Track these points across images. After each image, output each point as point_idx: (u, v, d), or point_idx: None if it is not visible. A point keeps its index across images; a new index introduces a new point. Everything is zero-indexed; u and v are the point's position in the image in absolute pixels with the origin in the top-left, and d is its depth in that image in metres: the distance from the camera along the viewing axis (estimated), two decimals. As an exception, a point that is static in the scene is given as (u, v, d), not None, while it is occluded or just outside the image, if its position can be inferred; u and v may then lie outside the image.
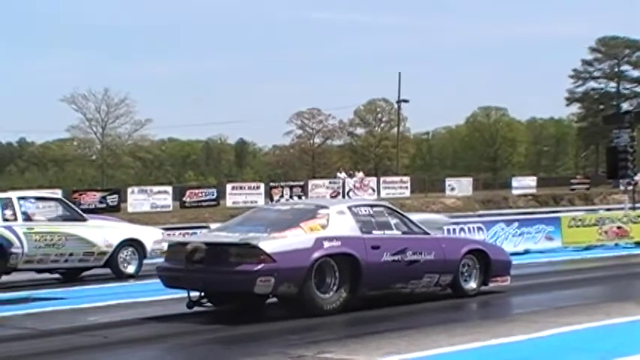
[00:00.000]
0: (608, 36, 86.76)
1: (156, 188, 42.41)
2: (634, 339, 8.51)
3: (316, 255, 10.50)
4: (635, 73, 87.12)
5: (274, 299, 10.90)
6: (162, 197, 40.34)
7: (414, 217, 12.86)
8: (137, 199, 38.98)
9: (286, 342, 8.87)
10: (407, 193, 47.34)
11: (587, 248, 21.09)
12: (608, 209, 30.37)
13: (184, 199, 41.05)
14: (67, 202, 17.60)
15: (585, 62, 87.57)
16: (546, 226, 21.14)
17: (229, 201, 41.63)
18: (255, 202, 41.40)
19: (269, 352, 8.28)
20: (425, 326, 9.75)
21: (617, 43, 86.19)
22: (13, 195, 15.76)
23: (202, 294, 10.90)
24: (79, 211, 17.21)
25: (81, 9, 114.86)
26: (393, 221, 11.73)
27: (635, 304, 11.16)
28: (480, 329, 9.30)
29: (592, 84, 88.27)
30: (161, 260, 12.49)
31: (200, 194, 42.31)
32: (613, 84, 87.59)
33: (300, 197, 42.26)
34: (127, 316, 11.28)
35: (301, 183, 46.65)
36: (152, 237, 16.96)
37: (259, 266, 10.10)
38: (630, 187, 24.90)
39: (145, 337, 9.67)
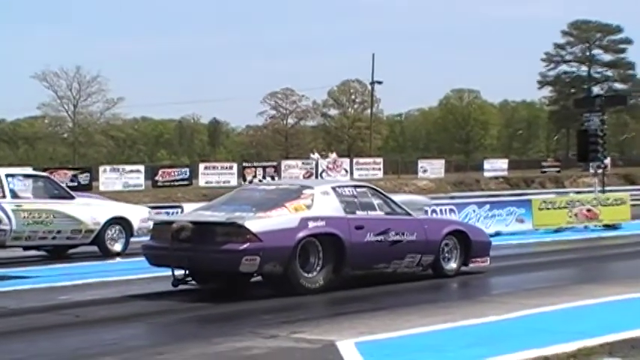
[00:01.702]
0: (580, 20, 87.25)
1: (128, 167, 42.17)
2: (603, 321, 8.61)
3: (301, 235, 10.63)
4: (607, 57, 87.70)
5: (258, 278, 11.00)
6: (134, 176, 40.14)
7: (397, 198, 13.04)
8: (109, 178, 38.73)
9: (260, 322, 8.91)
10: (380, 174, 47.41)
11: (557, 231, 21.30)
12: (579, 192, 30.64)
13: (157, 178, 40.88)
14: (54, 180, 17.62)
15: (557, 46, 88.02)
16: (517, 209, 21.32)
17: (202, 181, 41.51)
18: (228, 182, 41.37)
19: (242, 331, 8.30)
20: (399, 307, 9.85)
21: (589, 27, 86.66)
22: (1, 172, 15.70)
23: (187, 272, 10.95)
24: (67, 189, 17.28)
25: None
26: (376, 202, 11.87)
27: (603, 286, 11.31)
28: (452, 310, 9.40)
29: (564, 67, 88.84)
30: (147, 238, 12.55)
31: (173, 174, 42.12)
32: (584, 68, 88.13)
33: (273, 178, 42.19)
34: (106, 295, 11.30)
35: (274, 163, 46.59)
36: (139, 215, 17.06)
37: (245, 245, 10.23)
38: (600, 171, 25.12)
39: (119, 316, 9.65)
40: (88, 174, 38.62)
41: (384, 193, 12.69)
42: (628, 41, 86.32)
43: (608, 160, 26.76)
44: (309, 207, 10.98)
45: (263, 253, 10.28)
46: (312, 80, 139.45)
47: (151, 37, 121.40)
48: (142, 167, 43.00)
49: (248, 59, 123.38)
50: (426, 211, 15.36)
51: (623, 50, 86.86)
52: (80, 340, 8.30)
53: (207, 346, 7.63)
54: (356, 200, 11.61)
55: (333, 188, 11.59)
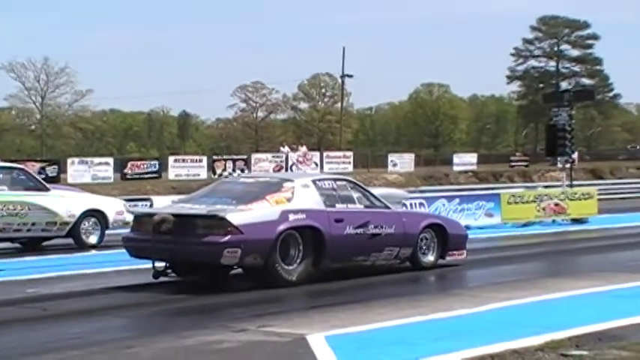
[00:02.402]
0: (549, 15, 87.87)
1: (97, 159, 41.79)
2: (570, 314, 8.68)
3: (282, 227, 10.71)
4: (574, 53, 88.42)
5: (238, 270, 11.06)
6: (103, 169, 39.79)
7: (375, 191, 13.17)
8: (77, 171, 38.35)
9: (231, 315, 8.90)
10: (350, 168, 47.43)
11: (525, 224, 21.43)
12: (547, 186, 30.91)
13: (126, 171, 40.56)
14: (29, 171, 17.48)
15: (526, 41, 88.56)
16: (486, 203, 21.41)
17: (171, 174, 41.26)
18: (198, 175, 41.22)
19: (213, 325, 8.28)
20: (371, 300, 9.88)
21: (557, 22, 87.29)
22: None
23: (168, 264, 11.02)
24: (42, 181, 17.20)
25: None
26: (355, 195, 11.96)
27: (571, 280, 11.40)
28: (423, 303, 9.43)
29: (532, 62, 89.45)
30: (123, 231, 12.76)
31: (142, 166, 41.84)
32: (553, 63, 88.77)
33: (242, 171, 42.09)
34: (78, 287, 11.25)
35: (244, 157, 46.47)
36: (114, 208, 17.04)
37: (226, 238, 10.30)
38: (568, 165, 25.30)
39: (89, 310, 9.58)
40: (56, 166, 38.23)
41: (364, 186, 12.82)
42: (595, 37, 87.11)
43: (575, 155, 26.95)
44: (289, 200, 11.06)
45: (244, 246, 10.36)
46: (283, 73, 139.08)
47: (120, 28, 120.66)
48: (110, 160, 42.61)
49: (218, 52, 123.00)
50: (404, 205, 15.47)
51: (590, 46, 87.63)
52: (47, 334, 8.23)
53: (176, 340, 7.60)
54: (336, 193, 11.70)
55: (314, 181, 11.69)
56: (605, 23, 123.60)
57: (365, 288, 11.13)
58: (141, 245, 10.99)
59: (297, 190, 11.26)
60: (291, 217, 10.88)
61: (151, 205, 18.28)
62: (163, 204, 19.32)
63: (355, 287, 11.12)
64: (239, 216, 10.48)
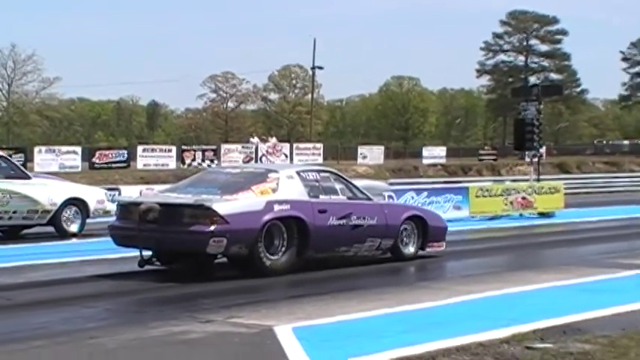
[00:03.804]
0: (519, 10, 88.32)
1: (64, 148, 41.46)
2: (535, 307, 8.73)
3: (267, 218, 10.81)
4: (543, 48, 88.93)
5: (223, 260, 11.15)
6: (70, 157, 39.48)
7: (358, 183, 13.35)
8: (44, 159, 38.00)
9: (200, 306, 8.86)
10: (319, 159, 47.43)
11: (493, 218, 21.57)
12: (514, 180, 31.10)
13: (94, 160, 40.29)
14: (10, 159, 17.36)
15: (496, 35, 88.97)
16: (455, 196, 21.51)
17: (140, 163, 41.04)
18: (167, 165, 41.08)
19: (181, 315, 8.25)
20: (339, 292, 9.89)
21: (527, 17, 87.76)
22: None
23: (153, 253, 11.11)
24: (23, 169, 17.26)
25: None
26: (338, 186, 12.10)
27: (536, 273, 11.48)
28: (390, 295, 9.45)
29: (502, 57, 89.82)
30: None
31: (110, 155, 41.57)
32: (522, 57, 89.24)
33: (212, 162, 41.98)
34: (51, 276, 11.18)
35: (214, 147, 46.29)
36: (95, 197, 17.14)
37: (213, 227, 10.39)
38: (535, 159, 25.48)
39: (57, 299, 9.51)
40: (23, 154, 37.81)
41: (347, 178, 12.93)
42: (563, 32, 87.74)
43: (543, 149, 27.17)
44: (274, 190, 11.16)
45: (230, 235, 10.45)
46: (254, 64, 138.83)
47: (89, 16, 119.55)
48: (78, 149, 42.27)
49: (189, 41, 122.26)
50: (383, 195, 15.61)
51: (559, 41, 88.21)
52: (12, 324, 8.14)
53: (143, 330, 7.55)
54: (319, 185, 11.83)
55: (298, 172, 11.80)
56: (574, 19, 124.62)
57: (339, 279, 11.17)
58: (127, 234, 11.05)
59: (282, 181, 11.37)
60: (276, 207, 10.98)
61: (114, 196, 18.26)
62: (132, 194, 19.23)
63: (330, 278, 11.15)
64: (225, 206, 10.57)
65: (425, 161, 52.12)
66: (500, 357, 6.46)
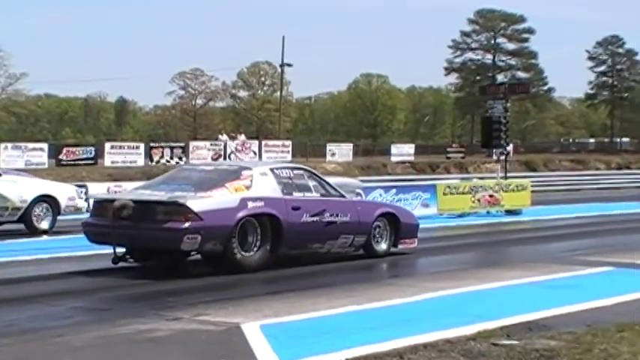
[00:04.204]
0: (486, 8, 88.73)
1: (31, 145, 41.06)
2: (502, 304, 8.80)
3: (241, 214, 10.85)
4: (510, 46, 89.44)
5: (197, 256, 11.18)
6: (37, 154, 39.12)
7: (331, 180, 13.43)
8: (10, 156, 37.60)
9: (166, 303, 8.83)
10: (288, 157, 47.39)
11: (461, 215, 21.67)
12: (482, 178, 31.27)
13: (61, 157, 39.93)
14: None
15: (464, 33, 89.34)
16: (423, 193, 21.58)
17: (108, 160, 40.76)
18: (135, 162, 40.80)
19: (148, 313, 8.22)
20: (309, 289, 9.92)
21: (494, 15, 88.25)
22: None
23: (126, 250, 11.15)
24: None
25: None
26: (312, 184, 12.16)
27: (503, 270, 11.57)
28: (358, 292, 9.46)
29: (470, 55, 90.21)
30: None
31: (77, 152, 41.26)
32: (489, 56, 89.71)
33: (180, 159, 41.81)
34: (19, 274, 11.12)
35: (182, 144, 46.11)
36: (66, 194, 17.07)
37: (187, 224, 10.41)
38: (503, 157, 25.64)
39: (23, 296, 9.43)
40: (-14, 150, 37.47)
41: (320, 175, 13.01)
42: (530, 31, 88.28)
43: (510, 147, 27.35)
44: (248, 188, 11.20)
45: (204, 232, 10.48)
46: (222, 61, 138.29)
47: (56, 10, 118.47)
48: (45, 145, 41.89)
49: (157, 37, 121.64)
50: (357, 192, 15.70)
51: (526, 40, 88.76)
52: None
53: (109, 328, 7.51)
54: (293, 182, 11.88)
55: (271, 170, 11.85)
56: (541, 18, 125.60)
57: (310, 276, 11.18)
58: (100, 230, 11.06)
59: (256, 178, 11.41)
60: (250, 204, 11.01)
61: (82, 193, 18.15)
62: (99, 191, 19.14)
63: (301, 275, 11.18)
64: (199, 203, 10.58)
65: (393, 159, 52.27)
66: (467, 353, 6.48)
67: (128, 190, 12.80)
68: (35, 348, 6.91)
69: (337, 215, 12.09)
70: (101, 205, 11.37)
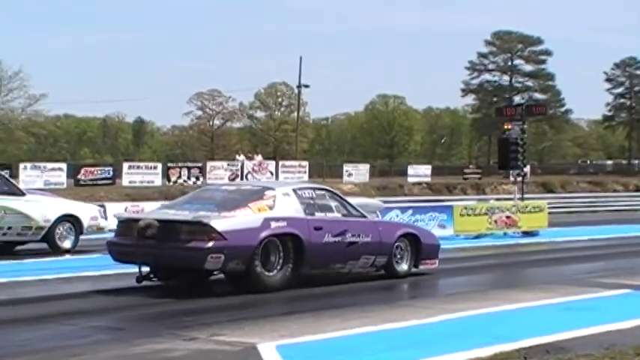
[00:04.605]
0: (503, 30, 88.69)
1: (50, 165, 41.30)
2: (519, 325, 8.74)
3: (263, 234, 10.90)
4: (527, 68, 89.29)
5: (220, 276, 11.24)
6: (56, 174, 39.36)
7: (353, 200, 13.42)
8: (30, 176, 37.81)
9: (182, 323, 8.82)
10: (305, 177, 47.39)
11: (477, 237, 21.59)
12: (498, 199, 31.15)
13: (79, 176, 40.20)
14: (5, 176, 17.38)
15: (480, 55, 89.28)
16: (439, 214, 21.55)
17: (125, 180, 40.93)
18: (152, 182, 40.98)
19: (164, 333, 8.22)
20: (325, 309, 9.89)
21: (511, 37, 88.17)
22: None
23: (151, 269, 11.21)
24: (18, 186, 17.34)
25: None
26: (333, 204, 12.20)
27: (521, 292, 11.51)
28: (374, 313, 9.42)
29: (486, 76, 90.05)
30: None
31: (96, 172, 41.48)
32: (506, 77, 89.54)
33: (198, 179, 41.94)
34: (40, 292, 11.14)
35: (199, 164, 46.24)
36: (89, 213, 17.19)
37: (210, 243, 10.48)
38: (520, 179, 25.56)
39: (44, 315, 9.42)
40: (8, 171, 37.58)
41: (342, 195, 13.03)
42: (548, 53, 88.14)
43: (527, 168, 27.20)
44: (271, 208, 11.26)
45: (227, 251, 10.54)
46: (239, 82, 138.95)
47: (75, 33, 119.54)
48: (64, 165, 42.14)
49: (175, 58, 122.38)
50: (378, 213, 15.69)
51: (543, 61, 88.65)
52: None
53: (126, 348, 7.52)
54: (315, 202, 11.94)
55: (294, 190, 11.91)
56: (558, 39, 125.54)
57: (329, 296, 11.17)
58: (125, 250, 11.13)
59: (279, 198, 11.47)
60: (273, 224, 11.07)
61: (103, 213, 18.24)
62: (117, 211, 19.21)
63: (320, 295, 11.17)
64: (223, 222, 10.66)
65: (410, 179, 52.21)
66: (483, 375, 6.46)
67: (152, 210, 12.89)
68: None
69: (359, 236, 12.11)
70: (126, 225, 11.42)
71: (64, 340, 8.06)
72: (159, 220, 10.93)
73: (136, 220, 11.22)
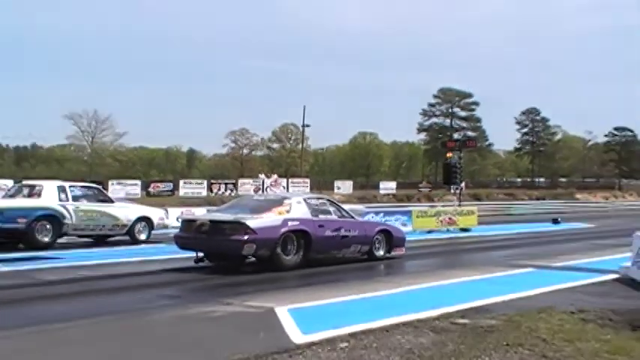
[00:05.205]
0: (446, 87, 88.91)
1: (129, 182, 41.29)
2: (458, 293, 8.75)
3: (283, 230, 10.95)
4: (462, 114, 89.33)
5: (252, 259, 11.12)
6: (133, 188, 39.35)
7: (345, 206, 13.53)
8: (115, 189, 37.77)
9: (222, 293, 8.79)
10: (307, 190, 47.30)
11: (429, 232, 21.51)
12: (443, 206, 31.13)
13: (149, 189, 40.27)
14: (101, 189, 17.29)
15: (430, 104, 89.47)
16: (402, 216, 21.50)
17: (181, 192, 40.94)
18: (200, 193, 40.95)
19: (209, 300, 8.21)
20: (323, 283, 9.83)
21: (451, 93, 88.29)
22: (66, 184, 15.68)
23: (204, 255, 11.24)
24: (109, 196, 17.19)
25: (73, 46, 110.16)
26: (332, 209, 12.22)
27: (459, 270, 11.45)
28: (357, 286, 9.38)
29: (434, 119, 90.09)
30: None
31: (160, 187, 41.55)
32: (448, 120, 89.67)
33: (232, 191, 41.89)
34: (123, 270, 11.02)
35: (233, 181, 46.23)
36: (157, 215, 17.11)
37: (246, 236, 10.53)
38: (458, 191, 25.58)
39: (125, 287, 9.40)
40: (101, 186, 37.55)
41: (337, 202, 13.05)
42: (476, 103, 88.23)
43: (463, 184, 27.19)
44: (288, 211, 11.31)
45: (258, 242, 10.58)
46: (261, 122, 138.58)
47: (149, 86, 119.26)
48: (138, 182, 42.12)
49: (216, 105, 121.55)
50: (363, 215, 15.63)
51: (473, 109, 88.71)
52: (93, 305, 8.07)
53: (183, 310, 7.53)
54: (319, 207, 11.96)
55: (304, 199, 11.94)
56: (483, 94, 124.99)
57: (326, 274, 11.03)
58: (186, 241, 11.19)
59: (293, 205, 11.53)
60: (289, 223, 11.11)
61: (166, 215, 18.19)
62: (175, 214, 19.14)
63: (320, 273, 11.05)
64: (254, 222, 10.71)
65: (381, 191, 52.19)
66: (433, 329, 6.46)
67: (204, 213, 12.89)
68: (131, 323, 6.96)
69: (349, 231, 12.12)
70: (187, 223, 11.50)
71: (142, 303, 8.11)
72: (210, 220, 11.03)
73: (194, 220, 11.35)
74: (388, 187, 55.06)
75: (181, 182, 42.99)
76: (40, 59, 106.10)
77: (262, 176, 49.26)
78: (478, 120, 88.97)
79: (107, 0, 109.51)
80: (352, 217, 12.54)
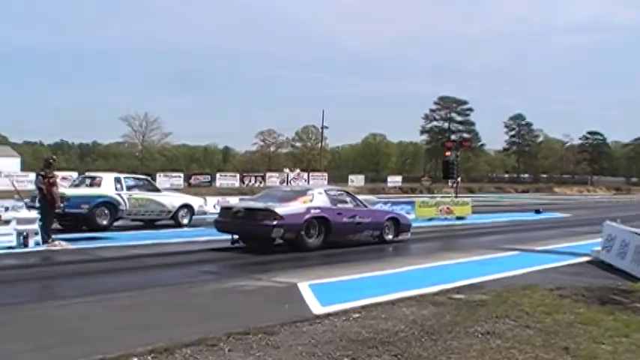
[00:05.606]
0: (445, 95, 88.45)
1: (174, 174, 41.62)
2: (454, 273, 8.72)
3: (307, 217, 10.95)
4: (458, 118, 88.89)
5: (280, 242, 11.08)
6: (177, 180, 39.62)
7: (360, 197, 13.46)
8: (162, 180, 37.98)
9: (253, 270, 8.84)
10: (325, 182, 47.28)
11: (430, 220, 21.39)
12: (442, 197, 30.93)
13: (190, 181, 40.48)
14: (150, 180, 17.29)
15: (431, 110, 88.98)
16: (407, 206, 21.38)
17: (218, 183, 41.14)
18: (233, 184, 41.09)
19: (242, 276, 8.26)
20: (339, 262, 9.80)
21: (449, 100, 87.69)
22: (121, 176, 15.82)
23: (239, 237, 11.26)
24: (157, 186, 17.23)
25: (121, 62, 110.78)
26: (348, 199, 12.20)
27: (454, 253, 11.37)
28: (369, 265, 9.39)
29: (435, 123, 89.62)
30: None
31: (200, 179, 41.72)
32: (446, 124, 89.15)
33: (261, 183, 42.00)
34: (170, 249, 11.09)
35: (262, 174, 46.38)
36: (197, 203, 17.08)
37: (275, 222, 10.55)
38: (455, 185, 25.44)
39: (173, 263, 9.46)
40: (150, 177, 37.75)
41: (353, 193, 13.00)
42: (471, 109, 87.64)
43: (459, 179, 27.03)
44: (311, 201, 11.31)
45: (285, 227, 10.61)
46: (286, 123, 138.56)
47: (191, 93, 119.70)
48: (181, 174, 42.43)
49: (247, 109, 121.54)
50: (374, 205, 15.54)
51: (468, 115, 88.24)
52: (141, 279, 8.15)
53: (218, 284, 7.60)
54: (337, 197, 11.94)
55: (325, 190, 11.94)
56: (477, 101, 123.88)
57: (343, 254, 10.98)
58: (224, 225, 11.26)
59: (316, 195, 11.51)
60: (312, 211, 11.10)
61: (205, 202, 18.28)
62: (212, 202, 19.21)
63: (337, 254, 11.00)
64: (282, 209, 10.73)
65: (389, 184, 52.06)
66: (433, 303, 6.47)
67: (238, 202, 12.92)
68: (176, 294, 7.05)
69: (363, 218, 12.08)
70: (225, 210, 11.58)
71: (184, 278, 8.16)
72: (245, 208, 11.08)
73: (231, 208, 11.43)
74: (395, 180, 54.89)
75: (218, 175, 43.21)
76: (102, 69, 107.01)
77: (287, 170, 49.50)
78: (472, 124, 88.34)
79: (156, 18, 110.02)
80: (365, 207, 12.49)
